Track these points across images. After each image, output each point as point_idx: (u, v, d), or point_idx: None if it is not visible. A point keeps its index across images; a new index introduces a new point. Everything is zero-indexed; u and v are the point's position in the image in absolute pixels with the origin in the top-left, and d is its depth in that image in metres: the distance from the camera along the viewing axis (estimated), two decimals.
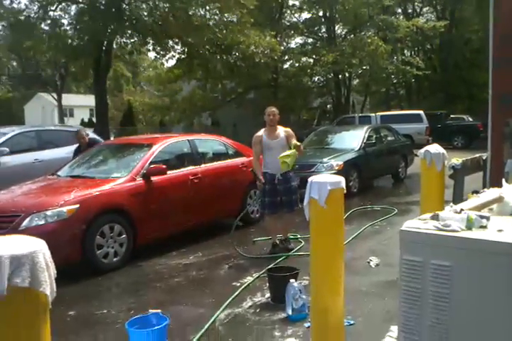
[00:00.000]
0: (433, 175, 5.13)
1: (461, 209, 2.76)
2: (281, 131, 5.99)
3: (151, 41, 19.25)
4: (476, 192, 5.57)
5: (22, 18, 18.65)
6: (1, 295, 1.56)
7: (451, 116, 24.88)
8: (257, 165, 6.00)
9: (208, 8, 19.11)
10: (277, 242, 6.01)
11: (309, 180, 3.43)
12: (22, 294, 1.62)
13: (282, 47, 24.03)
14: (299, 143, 5.64)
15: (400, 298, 2.53)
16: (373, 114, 20.75)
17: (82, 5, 18.44)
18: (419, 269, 2.47)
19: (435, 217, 2.67)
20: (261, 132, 6.05)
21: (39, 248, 1.69)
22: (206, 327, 3.85)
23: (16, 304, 1.62)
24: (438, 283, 2.40)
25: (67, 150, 9.57)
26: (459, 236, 2.42)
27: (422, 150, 5.20)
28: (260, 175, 5.88)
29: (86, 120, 37.56)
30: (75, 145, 9.84)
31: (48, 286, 1.70)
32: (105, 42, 18.34)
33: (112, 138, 16.90)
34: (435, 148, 5.22)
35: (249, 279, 5.00)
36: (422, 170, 5.23)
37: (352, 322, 3.83)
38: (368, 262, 5.44)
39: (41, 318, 1.70)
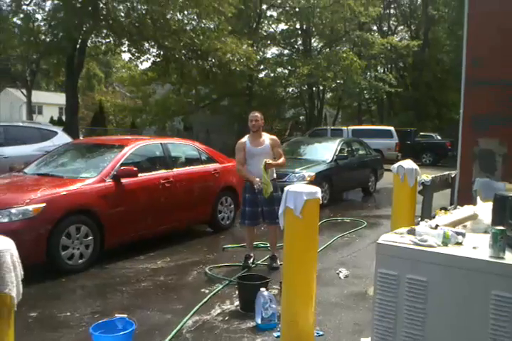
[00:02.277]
0: (405, 190, 5.19)
1: (437, 225, 2.78)
2: (267, 138, 5.74)
3: (126, 42, 19.02)
4: (445, 208, 5.66)
5: None
6: None
7: (421, 133, 25.42)
8: (243, 170, 5.69)
9: (186, 12, 19.04)
10: (251, 255, 5.78)
11: (285, 189, 3.41)
12: None
13: (258, 57, 24.11)
14: (269, 161, 5.40)
15: (374, 311, 2.51)
16: (345, 128, 20.98)
17: (57, 1, 18.09)
18: (394, 283, 2.46)
19: (412, 232, 2.69)
20: (245, 138, 5.78)
21: (6, 247, 1.62)
22: (173, 333, 3.77)
23: None
24: (413, 297, 2.41)
25: (34, 148, 9.36)
26: (435, 252, 2.43)
27: (396, 166, 5.25)
28: (251, 177, 5.55)
29: (55, 118, 36.82)
30: (43, 144, 9.65)
31: (14, 287, 1.62)
32: (79, 41, 18.01)
33: (81, 138, 16.57)
34: (408, 163, 5.29)
35: (218, 286, 4.93)
36: (395, 184, 5.28)
37: (321, 333, 3.80)
38: (338, 273, 5.44)
39: (5, 322, 1.62)
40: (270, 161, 5.43)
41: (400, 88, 28.94)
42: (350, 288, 5.01)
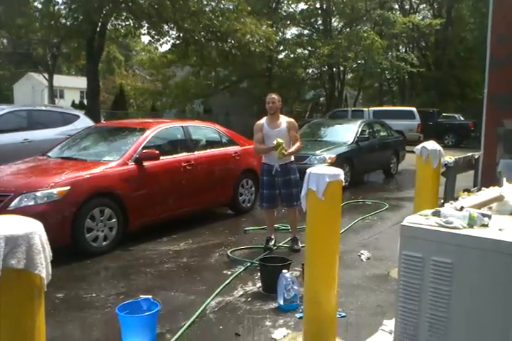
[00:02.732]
0: (428, 172, 5.11)
1: (462, 207, 2.74)
2: (284, 120, 5.70)
3: (146, 25, 18.98)
4: (468, 190, 5.60)
5: None
6: None
7: (443, 114, 25.00)
8: (260, 147, 5.63)
9: None
10: (272, 237, 5.80)
11: (308, 171, 3.39)
12: (17, 276, 1.57)
13: (278, 37, 23.87)
14: (281, 141, 5.33)
15: (398, 293, 2.50)
16: (366, 109, 20.75)
17: None
18: (419, 265, 2.44)
19: (437, 214, 2.65)
20: (263, 120, 5.77)
21: (36, 229, 1.64)
22: (197, 314, 3.82)
23: (10, 286, 1.57)
24: (438, 279, 2.39)
25: (57, 132, 9.46)
26: (461, 234, 2.40)
27: (419, 147, 5.17)
28: (268, 148, 5.49)
29: (77, 102, 37.11)
30: (66, 127, 9.75)
31: (44, 269, 1.65)
32: (99, 24, 18.03)
33: (102, 121, 16.69)
34: (432, 145, 5.21)
35: (240, 268, 4.97)
36: (418, 166, 5.21)
37: (343, 314, 3.82)
38: (359, 255, 5.45)
39: (36, 301, 1.65)
40: (280, 141, 5.36)
41: (422, 68, 28.45)
42: (372, 270, 5.01)
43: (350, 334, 3.50)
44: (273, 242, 5.75)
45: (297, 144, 5.59)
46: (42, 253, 1.63)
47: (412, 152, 5.50)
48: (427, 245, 2.44)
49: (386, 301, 4.08)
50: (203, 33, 19.00)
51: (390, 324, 3.40)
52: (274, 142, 5.35)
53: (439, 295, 2.39)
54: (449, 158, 6.46)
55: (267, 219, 5.94)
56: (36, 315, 1.65)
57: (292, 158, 5.73)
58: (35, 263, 1.61)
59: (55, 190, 5.14)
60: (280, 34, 26.71)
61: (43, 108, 11.11)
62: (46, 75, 35.03)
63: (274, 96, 5.70)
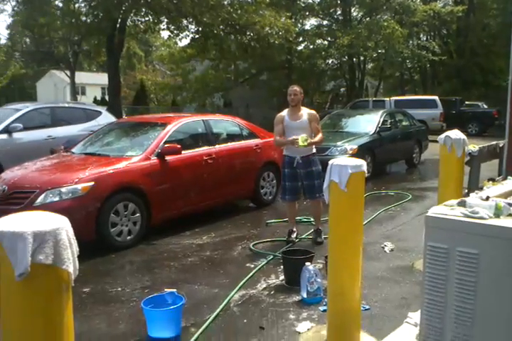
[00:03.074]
0: (452, 161, 5.04)
1: (488, 197, 2.70)
2: (305, 112, 5.63)
3: (165, 20, 19.04)
4: (492, 179, 5.50)
5: None
6: (25, 272, 1.54)
7: (466, 102, 24.57)
8: (280, 139, 5.58)
9: None
10: (293, 229, 5.78)
11: (330, 162, 3.37)
12: (45, 271, 1.60)
13: (297, 29, 23.67)
14: (305, 137, 5.28)
15: (424, 284, 2.48)
16: (387, 99, 20.52)
17: None
18: (444, 256, 2.41)
19: (462, 204, 2.61)
20: (284, 112, 5.73)
21: (62, 225, 1.66)
22: (221, 307, 3.85)
23: (38, 281, 1.60)
24: (464, 270, 2.36)
25: (80, 128, 9.58)
26: (487, 224, 2.36)
27: (442, 136, 5.10)
28: (288, 140, 5.43)
29: (99, 98, 37.46)
30: (88, 124, 9.86)
31: (71, 264, 1.67)
32: (119, 20, 18.16)
33: (124, 117, 16.83)
34: (455, 133, 5.13)
35: (263, 261, 4.98)
36: (442, 155, 5.13)
37: (367, 307, 3.80)
38: (383, 247, 5.41)
39: (64, 296, 1.67)
40: (308, 138, 5.31)
41: (443, 56, 27.86)
42: (396, 261, 4.97)
43: (374, 327, 3.48)
44: (295, 235, 5.74)
45: (319, 135, 5.55)
46: (69, 248, 1.66)
47: (435, 141, 5.42)
48: (452, 236, 2.41)
49: (411, 293, 4.05)
50: (221, 27, 18.98)
51: (415, 316, 3.37)
52: (299, 137, 5.28)
53: (464, 286, 2.36)
54: (473, 146, 6.34)
55: (289, 211, 5.93)
56: (64, 309, 1.68)
57: (314, 150, 5.70)
58: (63, 259, 1.63)
59: (79, 186, 5.21)
60: (299, 25, 26.45)
61: (66, 105, 11.26)
62: (68, 72, 35.47)
63: (296, 88, 5.65)
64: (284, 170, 5.75)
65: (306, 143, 5.28)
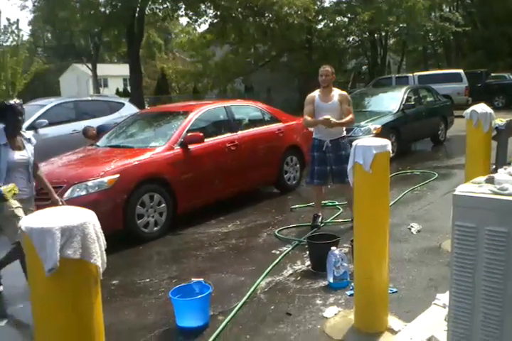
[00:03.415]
0: (479, 137, 4.92)
1: None
2: (336, 93, 5.49)
3: (183, 6, 18.98)
4: None
5: None
6: (54, 267, 1.57)
7: (492, 74, 23.85)
8: (310, 120, 5.41)
9: None
10: (319, 214, 5.71)
11: (353, 144, 3.32)
12: (73, 266, 1.62)
13: (316, 7, 23.29)
14: (327, 117, 5.19)
15: (452, 265, 2.44)
16: (411, 74, 20.09)
17: None
18: (473, 235, 2.36)
19: (490, 181, 2.53)
20: (315, 92, 5.56)
21: (89, 219, 1.68)
22: (248, 294, 3.87)
23: (67, 276, 1.62)
24: (493, 249, 2.30)
25: (104, 120, 9.65)
26: None
27: (468, 111, 4.98)
28: (319, 120, 5.30)
29: (121, 90, 37.75)
30: (112, 116, 9.93)
31: (99, 257, 1.69)
32: (137, 9, 18.17)
33: (146, 107, 16.93)
34: (481, 107, 5.00)
35: (288, 247, 4.98)
36: (468, 131, 5.02)
37: (395, 289, 3.77)
38: (409, 228, 5.34)
39: (93, 290, 1.70)
40: (332, 119, 5.22)
41: (467, 27, 27.04)
42: (423, 242, 4.91)
43: (402, 310, 3.45)
44: (320, 219, 5.69)
45: (349, 116, 5.39)
46: (96, 242, 1.68)
47: (461, 117, 5.28)
48: (480, 214, 2.35)
49: (438, 274, 4.01)
50: (239, 10, 18.85)
51: (443, 298, 3.33)
52: (326, 117, 5.20)
53: (494, 266, 2.31)
54: (500, 120, 6.16)
55: (316, 195, 5.85)
56: (93, 302, 1.70)
57: (344, 133, 5.60)
58: (91, 253, 1.66)
59: (105, 179, 5.27)
60: (318, 3, 26.00)
61: (89, 98, 11.36)
62: (90, 65, 35.78)
63: (328, 68, 5.51)
64: (312, 153, 5.65)
65: (329, 126, 5.15)
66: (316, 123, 5.42)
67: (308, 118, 5.47)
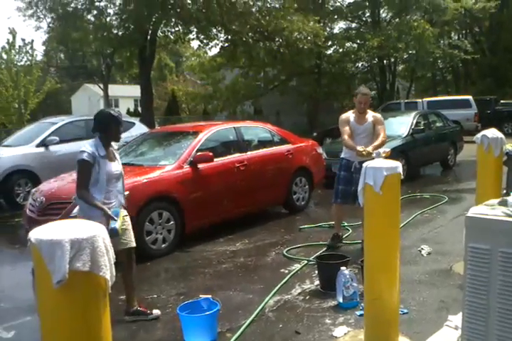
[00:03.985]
0: (490, 161, 4.92)
1: None
2: (370, 115, 5.56)
3: (194, 30, 19.27)
4: None
5: (70, 9, 18.99)
6: (63, 279, 1.56)
7: (501, 101, 23.94)
8: (349, 140, 5.39)
9: None
10: (339, 234, 5.69)
11: (364, 165, 3.34)
12: (82, 278, 1.62)
13: (326, 33, 23.59)
14: (362, 148, 5.17)
15: (465, 287, 2.41)
16: (420, 100, 20.20)
17: None
18: (486, 257, 2.34)
19: (503, 203, 2.52)
20: (349, 114, 5.61)
21: (99, 232, 1.68)
22: (256, 312, 3.84)
23: (76, 288, 1.62)
24: (507, 271, 2.28)
25: None
26: None
27: (479, 135, 4.99)
28: (355, 147, 5.28)
29: (132, 110, 38.13)
30: (122, 135, 10.00)
31: (108, 270, 1.69)
32: (150, 32, 18.48)
33: (157, 127, 17.07)
34: (492, 132, 5.01)
35: (297, 266, 4.95)
36: (479, 155, 5.01)
37: (406, 310, 3.73)
38: (420, 250, 5.31)
39: (101, 302, 1.69)
40: (367, 150, 5.20)
41: (476, 54, 27.27)
42: (434, 265, 4.87)
43: (413, 331, 3.41)
44: (338, 239, 5.63)
45: (380, 138, 5.39)
46: (106, 255, 1.68)
47: (470, 142, 5.29)
48: (494, 236, 2.33)
49: (449, 296, 3.96)
50: (250, 34, 19.06)
51: (455, 319, 3.28)
52: (361, 149, 5.19)
53: (508, 287, 2.28)
54: (511, 146, 6.18)
55: (337, 215, 5.77)
56: (102, 315, 1.69)
57: (374, 155, 5.57)
58: (100, 266, 1.65)
59: None
60: (328, 29, 26.36)
61: None
62: (101, 85, 36.22)
63: (368, 95, 5.57)
64: (339, 172, 5.64)
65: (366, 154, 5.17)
66: (353, 149, 5.37)
67: (348, 140, 5.41)
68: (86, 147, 3.69)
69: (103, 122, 3.80)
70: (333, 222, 6.25)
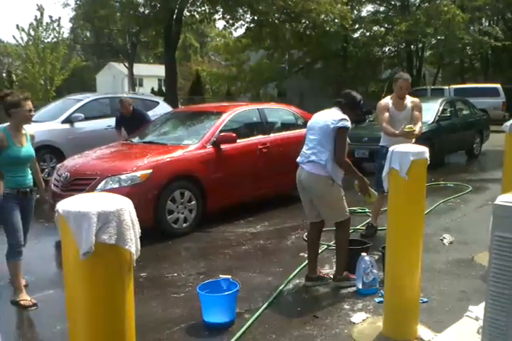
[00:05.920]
0: None
1: None
2: (409, 101, 5.38)
3: (220, 9, 19.12)
4: None
5: None
6: (89, 251, 1.57)
7: None
8: (389, 127, 5.20)
9: None
10: (375, 224, 5.56)
11: (390, 149, 3.29)
12: (108, 251, 1.62)
13: (353, 16, 23.19)
14: (411, 127, 5.01)
15: (490, 276, 2.38)
16: (447, 87, 19.83)
17: None
18: None
19: None
20: (387, 100, 5.43)
21: (125, 206, 1.69)
22: (275, 295, 3.86)
23: (102, 260, 1.62)
24: None
25: None
26: None
27: (508, 124, 4.88)
28: (401, 133, 5.08)
29: (156, 89, 38.23)
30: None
31: (133, 244, 1.69)
32: (176, 11, 18.38)
33: (180, 107, 17.10)
34: None
35: None
36: (507, 144, 4.90)
37: (425, 299, 3.70)
38: (442, 239, 5.25)
39: (126, 275, 1.70)
40: (416, 130, 5.08)
41: (507, 41, 26.59)
42: (456, 254, 4.81)
43: (432, 320, 3.39)
44: (374, 230, 5.52)
45: (419, 124, 5.25)
46: (131, 229, 1.68)
47: (497, 131, 5.17)
48: None
49: (470, 287, 3.92)
50: (277, 15, 18.86)
51: (475, 310, 3.25)
52: (406, 128, 5.06)
53: None
54: None
55: (378, 204, 5.46)
56: (126, 288, 1.70)
57: (413, 141, 5.42)
58: (126, 239, 1.66)
59: (138, 173, 5.33)
60: (355, 12, 25.90)
61: (125, 95, 11.51)
62: (126, 64, 36.34)
63: (409, 80, 5.39)
64: (381, 161, 5.39)
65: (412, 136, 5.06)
66: (400, 134, 5.15)
67: (389, 128, 5.25)
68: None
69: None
70: (354, 208, 6.21)
